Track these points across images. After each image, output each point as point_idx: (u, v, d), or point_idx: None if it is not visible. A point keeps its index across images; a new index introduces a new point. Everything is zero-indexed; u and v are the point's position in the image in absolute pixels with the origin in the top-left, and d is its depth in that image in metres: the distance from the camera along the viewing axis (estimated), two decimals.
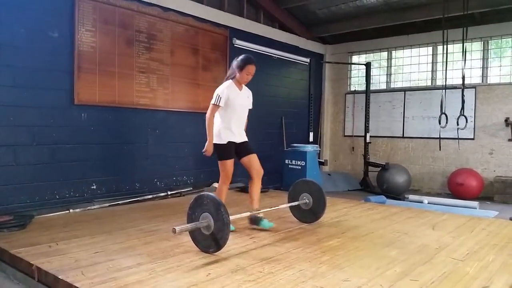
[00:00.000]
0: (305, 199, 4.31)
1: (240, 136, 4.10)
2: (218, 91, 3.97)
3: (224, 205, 3.21)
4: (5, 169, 4.60)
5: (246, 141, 4.17)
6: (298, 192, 4.38)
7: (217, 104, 3.91)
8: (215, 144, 3.95)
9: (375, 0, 7.86)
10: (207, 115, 3.95)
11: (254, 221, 4.05)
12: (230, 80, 4.05)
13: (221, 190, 4.08)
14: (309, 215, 4.35)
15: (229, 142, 3.99)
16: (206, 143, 3.93)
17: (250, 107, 4.23)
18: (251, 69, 3.99)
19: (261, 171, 4.16)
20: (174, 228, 3.07)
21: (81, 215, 4.76)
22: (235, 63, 4.04)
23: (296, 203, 4.31)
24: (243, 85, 4.12)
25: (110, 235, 3.76)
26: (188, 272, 2.80)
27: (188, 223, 3.29)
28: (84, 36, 5.24)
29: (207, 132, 3.94)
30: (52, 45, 4.97)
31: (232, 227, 3.61)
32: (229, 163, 4.00)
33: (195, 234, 3.31)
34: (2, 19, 4.56)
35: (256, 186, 4.12)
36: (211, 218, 3.18)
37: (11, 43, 4.62)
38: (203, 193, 3.39)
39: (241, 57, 4.04)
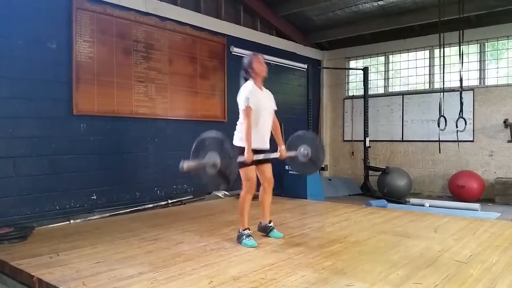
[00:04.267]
0: (303, 150, 4.18)
1: (264, 143, 3.82)
2: (245, 93, 3.67)
3: (228, 140, 3.17)
4: (5, 180, 4.59)
5: (267, 149, 3.88)
6: (295, 146, 4.24)
7: (249, 106, 3.60)
8: (238, 148, 3.62)
9: (371, 5, 7.90)
10: (243, 121, 3.63)
11: (264, 230, 4.00)
12: (250, 81, 3.78)
13: (243, 200, 3.73)
14: (309, 165, 4.28)
15: (253, 149, 3.67)
16: (245, 153, 3.54)
17: (275, 108, 3.96)
18: (260, 58, 3.81)
19: (272, 181, 3.97)
20: (182, 164, 3.05)
21: (82, 225, 4.74)
22: (244, 64, 3.82)
23: (293, 152, 4.14)
24: (263, 88, 3.89)
25: (111, 245, 3.74)
26: (190, 280, 2.79)
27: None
28: (82, 46, 5.26)
29: (245, 141, 3.58)
30: (50, 56, 4.98)
31: (255, 243, 3.56)
32: (252, 169, 3.71)
33: (202, 177, 3.27)
34: (1, 31, 4.57)
35: (268, 195, 3.98)
36: (217, 155, 3.13)
37: (9, 54, 4.63)
38: (203, 135, 3.31)
39: (245, 58, 3.88)
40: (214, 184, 3.21)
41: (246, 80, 3.83)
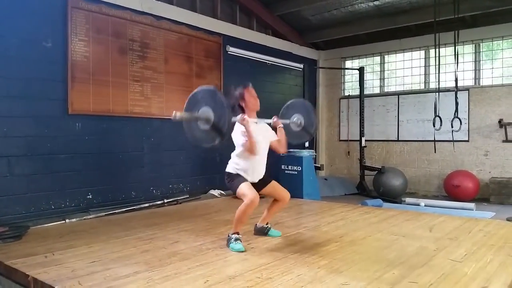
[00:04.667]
0: (296, 119, 4.12)
1: (258, 177, 3.68)
2: (240, 128, 3.51)
3: (220, 91, 3.12)
4: None
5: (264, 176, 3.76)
6: (287, 116, 4.17)
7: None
8: (230, 174, 3.60)
9: (367, 5, 7.92)
10: (239, 152, 3.58)
11: (261, 231, 3.97)
12: (242, 114, 3.55)
13: (243, 213, 3.45)
14: (303, 134, 4.22)
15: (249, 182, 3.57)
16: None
17: (274, 138, 3.78)
18: (252, 91, 3.68)
19: (288, 195, 3.84)
20: (174, 114, 3.04)
21: (77, 224, 4.72)
22: (236, 97, 3.64)
23: (286, 121, 4.05)
24: (257, 119, 3.72)
25: (106, 244, 3.72)
26: (186, 279, 2.78)
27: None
28: (78, 45, 5.24)
29: (250, 138, 3.45)
30: (45, 55, 4.96)
31: (242, 248, 3.45)
32: (247, 185, 3.50)
33: (196, 134, 3.23)
34: None
35: (280, 207, 3.91)
36: (209, 109, 3.09)
37: (4, 53, 4.61)
38: (195, 90, 3.27)
39: (236, 90, 3.69)
40: (208, 139, 3.15)
41: (234, 110, 3.58)
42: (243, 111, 3.61)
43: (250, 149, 3.49)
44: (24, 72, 4.77)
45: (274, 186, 3.82)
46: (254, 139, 3.47)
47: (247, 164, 3.59)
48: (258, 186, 3.67)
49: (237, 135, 3.55)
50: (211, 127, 3.13)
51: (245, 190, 3.48)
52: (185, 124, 3.29)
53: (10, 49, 4.67)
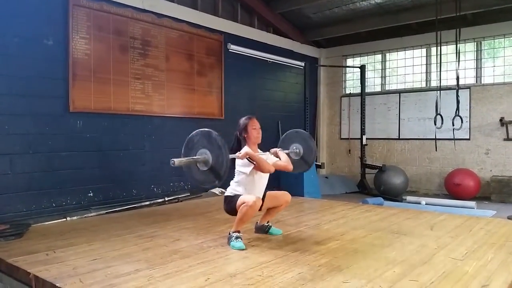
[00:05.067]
0: (295, 149, 4.26)
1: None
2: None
3: (215, 132, 3.19)
4: (1, 178, 4.58)
5: None
6: (287, 145, 4.31)
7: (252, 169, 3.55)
8: (226, 196, 3.69)
9: (369, 3, 7.91)
10: (265, 170, 3.58)
11: (262, 229, 3.98)
12: (246, 147, 3.63)
13: (245, 214, 3.45)
14: (301, 163, 4.31)
15: None
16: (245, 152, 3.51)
17: (274, 159, 3.85)
18: (254, 123, 3.70)
19: (289, 197, 3.88)
20: (172, 160, 3.09)
21: (78, 222, 4.73)
22: (240, 128, 3.71)
23: (285, 151, 4.12)
24: (259, 150, 3.79)
25: (107, 242, 3.73)
26: (187, 277, 2.78)
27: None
28: (79, 43, 5.24)
29: (259, 161, 3.52)
30: (46, 53, 4.96)
31: (243, 246, 3.46)
32: (246, 197, 3.50)
33: (195, 176, 3.30)
34: None
35: (282, 208, 3.94)
36: (207, 150, 3.18)
37: (5, 51, 4.61)
38: (190, 135, 3.34)
39: (240, 120, 3.75)
40: (207, 181, 3.22)
41: (239, 141, 3.71)
42: (245, 143, 3.68)
43: (264, 169, 3.54)
44: (25, 70, 4.77)
45: (272, 196, 3.85)
46: (262, 159, 3.55)
47: (248, 190, 3.61)
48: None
49: (244, 164, 3.57)
50: (209, 169, 3.19)
51: (245, 197, 3.50)
52: (185, 167, 3.34)
53: (11, 47, 4.67)
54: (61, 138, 5.09)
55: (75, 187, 5.20)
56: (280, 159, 3.88)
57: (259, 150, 3.80)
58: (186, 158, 3.24)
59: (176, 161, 3.12)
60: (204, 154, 3.20)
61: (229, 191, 3.71)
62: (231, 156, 3.40)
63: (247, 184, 3.63)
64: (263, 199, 3.73)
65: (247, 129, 3.68)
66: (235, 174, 3.71)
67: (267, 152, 3.89)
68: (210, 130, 3.24)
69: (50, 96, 5.00)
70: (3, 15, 4.60)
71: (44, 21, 4.96)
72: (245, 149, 3.57)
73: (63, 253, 3.39)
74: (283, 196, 3.88)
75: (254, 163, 3.51)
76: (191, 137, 3.32)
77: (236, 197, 3.60)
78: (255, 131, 3.70)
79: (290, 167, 3.89)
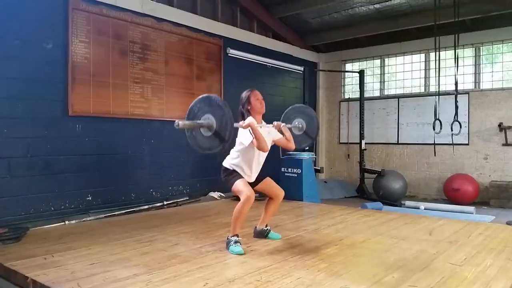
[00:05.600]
0: (298, 124, 4.29)
1: (254, 176, 3.74)
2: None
3: (214, 95, 3.27)
4: None
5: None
6: (289, 120, 4.32)
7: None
8: (226, 169, 3.67)
9: (368, 8, 7.93)
10: (239, 149, 3.63)
11: (261, 234, 3.97)
12: (250, 117, 3.62)
13: (240, 212, 3.49)
14: (304, 138, 4.33)
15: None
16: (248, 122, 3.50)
17: (277, 136, 3.89)
18: (256, 94, 3.72)
19: (282, 193, 3.88)
20: (177, 121, 3.09)
21: (77, 226, 4.72)
22: (242, 101, 3.72)
23: (288, 125, 4.12)
24: (263, 122, 3.79)
25: (106, 246, 3.72)
26: (185, 282, 2.78)
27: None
28: (78, 47, 5.24)
29: (258, 137, 3.49)
30: (46, 56, 4.97)
31: (241, 251, 3.45)
32: (243, 182, 3.56)
33: (200, 142, 3.33)
34: None
35: (275, 205, 3.91)
36: (209, 115, 3.20)
37: (4, 54, 4.61)
38: (192, 103, 3.38)
39: (242, 94, 3.78)
40: (212, 145, 3.25)
41: (243, 115, 3.69)
42: (249, 114, 3.67)
43: (260, 146, 3.53)
44: (24, 74, 4.77)
45: (268, 183, 3.87)
46: (262, 137, 3.51)
47: (245, 162, 3.64)
48: (253, 183, 3.73)
49: (245, 134, 3.57)
50: (214, 133, 3.20)
51: (241, 187, 3.54)
52: (188, 133, 3.36)
53: (11, 51, 4.67)
54: (60, 141, 5.08)
55: (74, 190, 5.19)
56: (283, 136, 3.91)
57: (263, 122, 3.80)
58: (190, 121, 3.25)
59: (181, 123, 3.12)
60: (207, 119, 3.22)
61: (227, 162, 3.71)
62: (236, 125, 3.42)
63: (245, 155, 3.63)
64: (261, 180, 3.77)
65: (250, 100, 3.70)
66: (235, 143, 3.70)
67: (271, 125, 3.89)
68: (209, 94, 3.29)
69: (49, 100, 5.00)
70: (3, 19, 4.60)
71: (44, 24, 4.97)
72: (249, 119, 3.56)
73: (61, 257, 3.38)
74: (278, 190, 3.89)
75: (253, 136, 3.50)
76: (191, 107, 3.34)
77: (233, 174, 3.61)
78: (258, 102, 3.73)
79: (292, 145, 3.95)
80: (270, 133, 3.83)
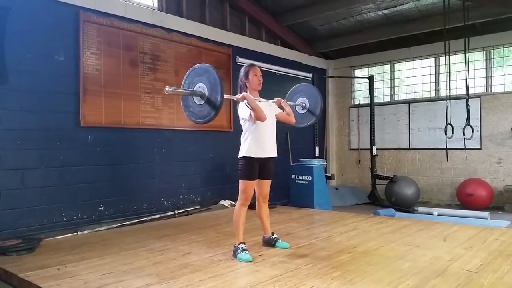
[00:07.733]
0: (301, 102, 4.40)
1: (271, 151, 3.77)
2: (245, 103, 3.63)
3: (214, 68, 3.40)
4: (13, 192, 4.62)
5: (272, 161, 3.83)
6: (293, 99, 4.46)
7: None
8: (241, 158, 3.69)
9: (376, 14, 7.93)
10: (247, 129, 3.68)
11: (269, 243, 3.96)
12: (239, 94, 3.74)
13: (238, 214, 3.65)
14: (308, 115, 4.40)
15: (257, 158, 3.66)
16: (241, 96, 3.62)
17: (277, 111, 3.95)
18: (255, 70, 3.75)
19: (267, 196, 3.93)
20: (167, 88, 3.30)
21: (89, 236, 4.75)
22: (240, 75, 3.81)
23: (290, 103, 4.24)
24: (260, 98, 3.81)
25: (118, 256, 3.74)
26: None
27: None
28: (89, 59, 5.31)
29: (254, 108, 3.54)
30: (58, 68, 5.04)
31: (250, 258, 3.47)
32: (251, 185, 3.68)
33: (193, 110, 3.52)
34: (10, 45, 4.62)
35: (264, 209, 3.93)
36: (204, 84, 3.36)
37: (17, 67, 4.68)
38: (193, 66, 3.55)
39: (242, 68, 3.84)
40: (204, 113, 3.40)
41: (241, 88, 3.78)
42: (246, 89, 3.74)
43: (258, 116, 3.55)
44: (37, 86, 4.84)
45: (267, 183, 3.87)
46: (258, 107, 3.55)
47: (256, 137, 3.66)
48: (261, 173, 3.74)
49: (243, 109, 3.64)
50: (206, 102, 3.36)
51: (244, 188, 3.65)
52: (183, 102, 3.57)
53: (23, 64, 4.74)
54: (72, 152, 5.13)
55: (86, 201, 5.23)
56: (283, 110, 3.97)
57: (260, 98, 3.81)
58: (179, 88, 3.47)
59: (170, 89, 3.31)
60: (201, 88, 3.39)
61: (241, 149, 3.73)
62: (230, 96, 3.61)
63: (253, 133, 3.65)
64: (269, 175, 3.82)
65: (248, 75, 3.75)
66: (242, 128, 3.76)
67: (270, 100, 3.92)
68: (209, 66, 3.47)
69: (61, 111, 5.06)
70: (16, 33, 4.68)
71: (56, 37, 5.04)
72: (244, 94, 3.63)
73: (74, 267, 3.40)
74: (266, 191, 3.88)
75: (250, 107, 3.55)
76: (182, 85, 3.54)
77: (246, 163, 3.64)
78: (256, 78, 3.76)
79: (293, 119, 4.02)
80: (271, 107, 3.90)
